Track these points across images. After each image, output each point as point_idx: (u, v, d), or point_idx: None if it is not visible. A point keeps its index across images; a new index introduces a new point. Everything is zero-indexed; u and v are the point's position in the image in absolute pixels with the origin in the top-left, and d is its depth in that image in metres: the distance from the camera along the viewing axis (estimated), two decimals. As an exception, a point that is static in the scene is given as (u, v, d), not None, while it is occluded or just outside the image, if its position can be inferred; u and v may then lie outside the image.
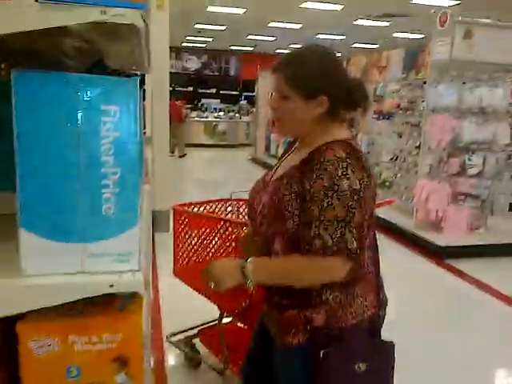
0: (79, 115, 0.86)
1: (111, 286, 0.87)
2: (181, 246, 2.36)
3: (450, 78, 4.64)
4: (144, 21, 0.81)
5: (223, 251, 2.09)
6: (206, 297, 2.23)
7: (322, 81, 1.31)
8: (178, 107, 11.95)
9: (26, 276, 0.87)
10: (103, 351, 0.91)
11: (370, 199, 1.26)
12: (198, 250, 2.24)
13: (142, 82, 1.58)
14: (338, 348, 1.27)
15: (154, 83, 4.89)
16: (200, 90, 18.97)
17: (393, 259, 4.89)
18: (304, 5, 10.40)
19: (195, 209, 2.39)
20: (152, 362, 2.72)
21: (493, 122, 4.75)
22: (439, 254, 4.73)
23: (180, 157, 12.08)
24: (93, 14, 0.78)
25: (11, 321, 0.88)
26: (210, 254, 2.16)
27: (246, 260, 1.30)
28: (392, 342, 1.38)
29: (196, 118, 15.19)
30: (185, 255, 2.35)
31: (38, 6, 0.77)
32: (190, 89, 19.09)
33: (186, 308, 3.39)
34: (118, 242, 0.91)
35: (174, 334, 2.76)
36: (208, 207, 2.46)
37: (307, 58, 1.35)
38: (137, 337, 0.93)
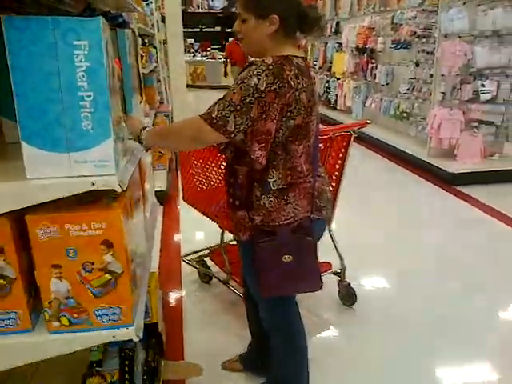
0: (56, 49, 1.08)
1: (93, 184, 1.13)
2: (186, 175, 2.63)
3: (462, 1, 4.55)
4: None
5: (221, 176, 2.34)
6: (209, 218, 2.51)
7: (271, 1, 1.49)
8: (240, 48, 10.93)
9: (28, 179, 1.14)
10: (92, 236, 1.19)
11: (280, 106, 1.40)
12: (200, 176, 2.50)
13: (125, 22, 1.78)
14: (269, 241, 1.53)
15: (167, 23, 5.02)
16: (228, 30, 18.65)
17: (405, 188, 5.06)
18: None
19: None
20: (170, 281, 3.08)
21: (508, 45, 4.66)
22: (451, 181, 4.82)
23: None
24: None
25: (21, 216, 1.16)
26: (209, 180, 2.42)
27: (147, 127, 1.52)
28: (312, 239, 1.60)
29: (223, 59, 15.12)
30: (191, 182, 2.62)
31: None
32: (218, 29, 18.81)
33: (201, 233, 3.73)
34: (96, 151, 1.15)
35: (188, 254, 3.09)
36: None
37: None
38: (118, 225, 1.19)
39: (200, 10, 18.86)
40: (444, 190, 4.81)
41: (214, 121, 1.42)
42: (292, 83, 1.43)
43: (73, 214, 1.18)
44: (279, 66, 1.41)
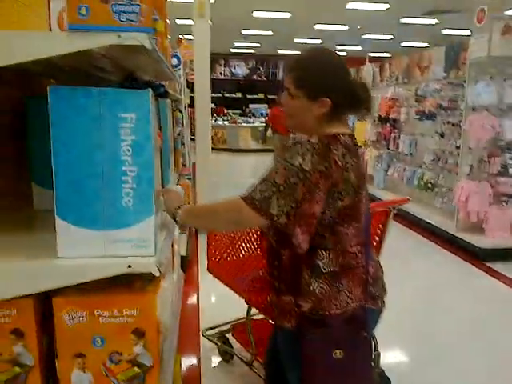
0: (101, 122, 1.02)
1: (129, 266, 1.03)
2: (213, 244, 2.52)
3: (489, 75, 4.57)
4: (151, 42, 0.95)
5: (249, 248, 2.23)
6: (235, 291, 2.37)
7: (324, 83, 1.42)
8: (284, 116, 10.19)
9: (59, 258, 1.04)
10: (123, 324, 1.07)
11: (327, 188, 1.31)
12: (229, 247, 2.39)
13: (166, 93, 1.74)
14: (319, 334, 1.38)
15: (196, 89, 5.12)
16: (248, 96, 19.24)
17: (433, 261, 4.87)
18: (349, 5, 10.40)
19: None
20: (189, 355, 2.89)
21: (536, 120, 4.63)
22: (481, 257, 4.64)
23: None
24: (111, 39, 0.94)
25: (47, 296, 1.05)
26: (238, 252, 2.31)
27: (182, 206, 1.41)
28: (368, 335, 1.45)
29: (243, 124, 15.46)
30: (217, 252, 2.50)
31: (66, 33, 0.94)
32: (239, 95, 19.42)
33: (222, 304, 3.57)
34: (136, 230, 1.06)
35: (210, 329, 2.92)
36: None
37: (312, 61, 1.47)
38: (152, 312, 1.08)
39: (222, 77, 19.58)
40: (473, 265, 4.61)
41: (256, 202, 1.33)
42: (339, 163, 1.35)
43: (103, 298, 1.07)
44: (325, 146, 1.34)
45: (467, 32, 12.41)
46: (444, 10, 10.53)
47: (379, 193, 6.98)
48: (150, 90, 1.04)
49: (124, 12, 0.94)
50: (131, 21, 0.95)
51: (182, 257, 4.01)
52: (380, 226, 2.19)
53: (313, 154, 1.31)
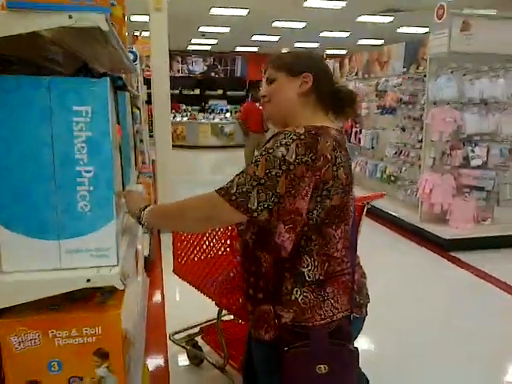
0: (52, 116, 0.89)
1: (88, 280, 0.90)
2: (179, 244, 2.39)
3: (450, 70, 4.62)
4: (109, 24, 0.83)
5: (219, 248, 2.12)
6: (204, 294, 2.26)
7: (305, 62, 1.35)
8: (258, 111, 7.76)
9: (3, 273, 0.90)
10: (83, 345, 0.94)
11: (314, 183, 1.21)
12: (196, 247, 2.26)
13: (125, 85, 1.61)
14: (302, 347, 1.26)
15: (154, 85, 4.94)
16: (207, 92, 19.03)
17: (398, 253, 4.90)
18: (307, 3, 10.39)
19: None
20: (155, 360, 2.76)
21: (495, 112, 4.71)
22: (445, 247, 4.70)
23: None
24: (60, 19, 0.81)
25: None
26: (207, 252, 2.19)
27: (147, 206, 1.28)
28: (356, 348, 1.35)
29: (203, 120, 15.25)
30: (183, 252, 2.37)
31: (4, 14, 0.80)
32: (197, 91, 19.17)
33: (190, 306, 3.43)
34: (94, 238, 0.93)
35: (177, 332, 2.79)
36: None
37: (293, 52, 1.42)
38: (116, 330, 0.96)
39: (180, 74, 19.27)
40: (438, 255, 4.67)
41: (233, 197, 1.19)
42: (329, 156, 1.23)
43: (59, 317, 0.94)
44: (313, 137, 1.21)
45: (422, 30, 12.70)
46: (399, 9, 10.69)
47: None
48: (108, 79, 0.92)
49: (74, -12, 0.82)
50: (84, -1, 0.82)
51: (144, 257, 3.85)
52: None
53: (298, 145, 1.19)
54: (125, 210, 1.25)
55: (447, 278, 4.25)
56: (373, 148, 6.65)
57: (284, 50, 1.57)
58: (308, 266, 1.28)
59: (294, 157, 1.18)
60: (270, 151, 1.20)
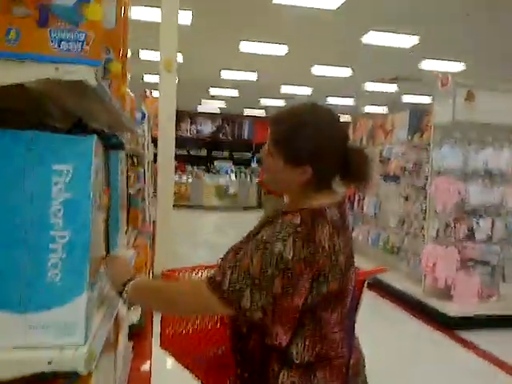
0: (29, 174, 0.81)
1: (49, 363, 0.79)
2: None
3: (454, 139, 4.62)
4: (98, 78, 0.77)
5: (210, 320, 1.98)
6: (191, 373, 2.09)
7: (306, 149, 1.19)
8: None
9: (-44, 349, 0.79)
10: None
11: (312, 275, 1.11)
12: (185, 318, 2.12)
13: (120, 144, 1.56)
14: None
15: (160, 144, 4.96)
16: (213, 153, 19.33)
17: (400, 329, 4.68)
18: (314, 69, 10.73)
19: (187, 274, 2.27)
20: None
21: (500, 185, 4.67)
22: (449, 325, 4.49)
23: None
24: (46, 72, 0.76)
25: None
26: (197, 324, 2.04)
27: (131, 280, 1.18)
28: None
29: (207, 181, 15.35)
30: (171, 326, 2.22)
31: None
32: (204, 152, 19.49)
33: (180, 381, 3.21)
34: (62, 312, 0.83)
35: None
36: (201, 273, 2.33)
37: (296, 119, 1.22)
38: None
39: (188, 135, 19.66)
40: (442, 333, 4.44)
41: (225, 294, 1.11)
42: (327, 246, 1.13)
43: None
44: (309, 227, 1.13)
45: (426, 98, 13.03)
46: (404, 78, 11.01)
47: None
48: (95, 136, 0.85)
49: (65, 40, 0.77)
50: (73, 51, 0.77)
51: (133, 324, 3.64)
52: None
53: (295, 239, 1.10)
54: (105, 278, 1.14)
55: (451, 360, 3.99)
56: (375, 216, 6.57)
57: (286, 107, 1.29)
58: (297, 347, 1.16)
59: (291, 254, 1.10)
60: (267, 246, 1.11)
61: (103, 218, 1.16)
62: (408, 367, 3.72)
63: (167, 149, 4.88)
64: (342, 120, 1.31)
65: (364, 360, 1.34)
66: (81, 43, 0.76)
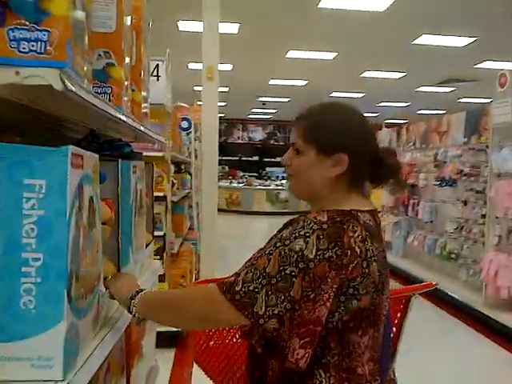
0: (-2, 190, 0.74)
1: (20, 401, 0.71)
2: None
3: (514, 141, 4.29)
4: (65, 81, 0.68)
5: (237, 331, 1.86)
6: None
7: (340, 136, 1.11)
8: None
9: None
10: None
11: (339, 283, 0.97)
12: (215, 332, 2.02)
13: (134, 153, 1.48)
14: None
15: (203, 151, 4.94)
16: (265, 159, 19.35)
17: (458, 342, 4.37)
18: (365, 74, 10.45)
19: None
20: None
21: None
22: (513, 339, 4.14)
23: None
24: (5, 76, 0.68)
25: None
26: (227, 338, 1.94)
27: (139, 293, 1.09)
28: None
29: (258, 186, 15.33)
30: (203, 338, 2.13)
31: None
32: (256, 158, 19.55)
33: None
34: (37, 343, 0.74)
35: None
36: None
37: (328, 112, 1.17)
38: None
39: (240, 141, 19.79)
40: (505, 349, 4.10)
41: (237, 296, 0.98)
42: (358, 250, 1.00)
43: None
44: (338, 226, 1.00)
45: (484, 100, 12.37)
46: (460, 79, 10.48)
47: (398, 261, 6.54)
48: (70, 147, 0.76)
49: (26, 40, 0.69)
50: (36, 52, 0.69)
51: (176, 331, 3.57)
52: (398, 314, 1.82)
53: (319, 237, 0.97)
54: (106, 296, 1.06)
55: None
56: (431, 222, 6.24)
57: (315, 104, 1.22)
58: (321, 382, 1.01)
59: (314, 252, 0.96)
60: (286, 243, 0.99)
61: (106, 233, 1.08)
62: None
63: (211, 155, 4.85)
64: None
65: None
66: (43, 43, 0.67)
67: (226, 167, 17.51)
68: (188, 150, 6.27)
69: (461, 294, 5.08)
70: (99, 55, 1.07)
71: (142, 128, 1.32)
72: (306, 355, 0.99)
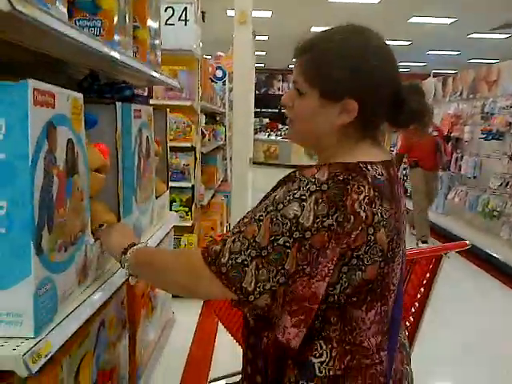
0: (-45, 131, 0.66)
1: (-18, 358, 0.65)
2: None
3: None
4: (12, 2, 0.58)
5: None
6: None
7: (350, 77, 0.90)
8: (431, 141, 5.32)
9: None
10: None
11: (340, 253, 0.84)
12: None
13: (134, 96, 1.39)
14: None
15: (235, 101, 4.80)
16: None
17: (499, 305, 4.21)
18: (412, 20, 9.84)
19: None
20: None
21: None
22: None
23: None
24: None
25: None
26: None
27: (132, 246, 0.99)
28: None
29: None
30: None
31: None
32: (296, 110, 19.17)
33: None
34: (5, 299, 0.69)
35: (215, 380, 2.50)
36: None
37: (336, 42, 0.94)
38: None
39: (280, 93, 19.35)
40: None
41: (224, 269, 0.86)
42: (363, 215, 0.85)
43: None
44: (340, 186, 0.84)
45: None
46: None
47: (438, 218, 6.33)
48: (31, 82, 0.67)
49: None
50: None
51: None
52: (427, 275, 1.71)
53: (317, 200, 0.83)
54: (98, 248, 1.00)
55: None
56: (475, 177, 5.94)
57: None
58: (321, 355, 0.90)
59: (311, 219, 0.82)
60: (279, 207, 0.85)
61: (100, 182, 1.01)
62: (506, 343, 3.31)
63: (243, 105, 4.70)
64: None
65: (410, 359, 1.07)
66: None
67: (266, 120, 17.24)
68: (222, 101, 6.13)
69: (503, 253, 4.87)
70: (87, -17, 0.96)
71: (141, 67, 1.20)
72: (300, 334, 0.88)
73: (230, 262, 0.86)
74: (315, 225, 0.82)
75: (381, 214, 0.87)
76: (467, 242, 1.72)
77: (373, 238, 0.86)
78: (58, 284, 0.77)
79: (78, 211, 0.85)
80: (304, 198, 0.83)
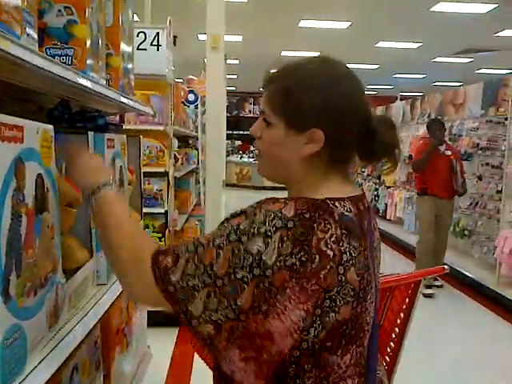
0: None
1: None
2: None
3: (536, 113, 4.08)
4: None
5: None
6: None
7: (316, 106, 0.88)
8: (444, 164, 4.62)
9: None
10: None
11: (308, 295, 0.80)
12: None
13: (108, 125, 1.35)
14: None
15: (208, 124, 4.79)
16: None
17: (471, 322, 4.25)
18: (379, 44, 10.11)
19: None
20: None
21: None
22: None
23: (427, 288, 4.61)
24: None
25: None
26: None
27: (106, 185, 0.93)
28: None
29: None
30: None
31: None
32: (268, 132, 19.34)
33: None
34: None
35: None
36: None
37: (302, 70, 0.93)
38: None
39: (251, 115, 19.51)
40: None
41: (171, 288, 0.82)
42: (329, 253, 0.81)
43: None
44: (306, 225, 0.81)
45: (504, 71, 11.94)
46: (478, 49, 10.08)
47: (409, 237, 6.40)
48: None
49: None
50: None
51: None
52: (406, 300, 1.69)
53: (283, 238, 0.79)
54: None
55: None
56: (445, 197, 6.06)
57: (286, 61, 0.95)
58: None
59: (274, 257, 0.78)
60: (243, 239, 0.80)
61: (71, 217, 0.96)
62: (475, 370, 3.33)
63: (216, 129, 4.70)
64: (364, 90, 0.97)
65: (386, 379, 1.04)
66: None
67: (238, 142, 17.33)
68: (195, 124, 6.11)
69: (474, 271, 4.94)
70: (59, 11, 0.93)
71: (114, 96, 1.17)
72: (248, 371, 0.83)
73: (180, 283, 0.82)
74: (277, 263, 0.79)
75: (349, 252, 0.84)
76: (445, 266, 1.72)
77: (344, 277, 0.83)
78: (28, 331, 0.71)
79: (48, 250, 0.80)
80: (269, 234, 0.80)
